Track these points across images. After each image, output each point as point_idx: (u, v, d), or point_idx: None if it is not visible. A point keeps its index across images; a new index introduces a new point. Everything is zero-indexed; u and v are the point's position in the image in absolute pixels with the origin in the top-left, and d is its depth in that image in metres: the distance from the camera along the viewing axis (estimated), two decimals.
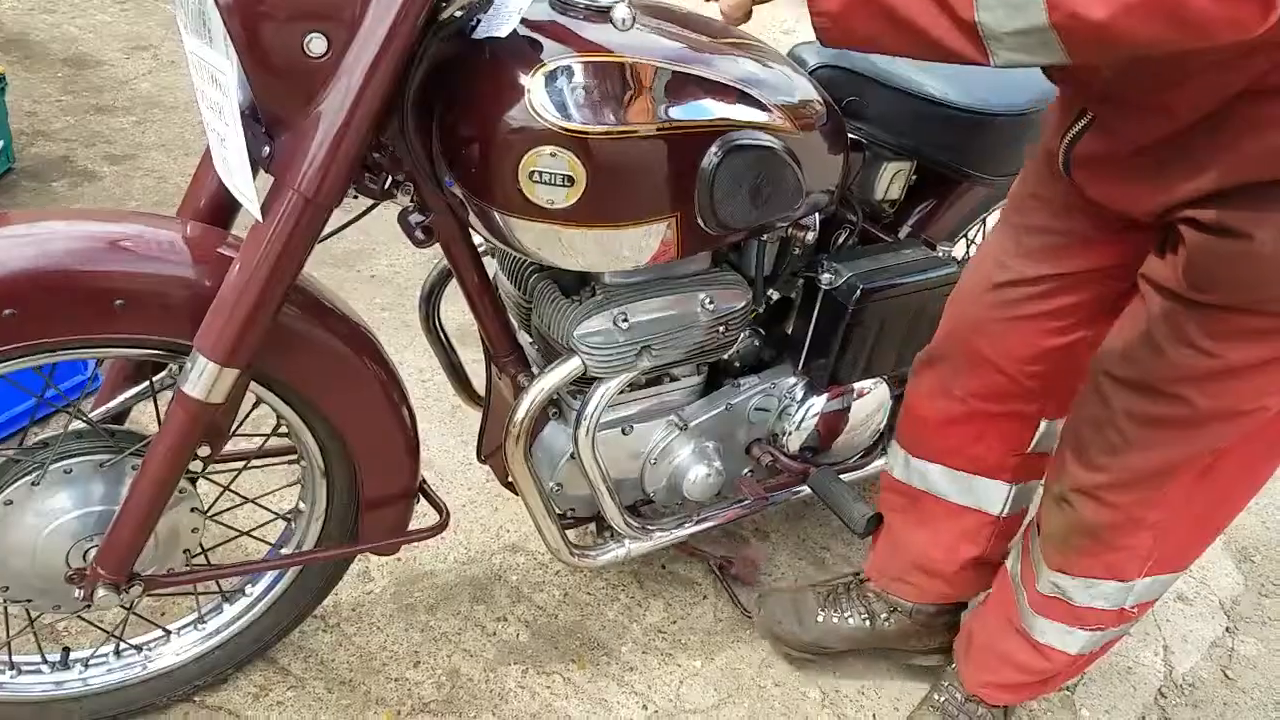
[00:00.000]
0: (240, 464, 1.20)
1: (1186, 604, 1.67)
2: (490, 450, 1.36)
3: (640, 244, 0.98)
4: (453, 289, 1.22)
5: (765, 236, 1.15)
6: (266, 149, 0.86)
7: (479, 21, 0.90)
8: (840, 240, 1.28)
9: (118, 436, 1.04)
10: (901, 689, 1.43)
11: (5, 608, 1.14)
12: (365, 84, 0.82)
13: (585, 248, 0.96)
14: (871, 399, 1.38)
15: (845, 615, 1.35)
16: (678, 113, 0.93)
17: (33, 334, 0.88)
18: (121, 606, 1.13)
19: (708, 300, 1.14)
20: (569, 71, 0.88)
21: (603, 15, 0.93)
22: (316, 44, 0.82)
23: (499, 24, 0.87)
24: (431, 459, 1.69)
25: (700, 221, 0.99)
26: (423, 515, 1.24)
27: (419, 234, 1.02)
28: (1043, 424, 1.17)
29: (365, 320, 1.11)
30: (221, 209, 1.03)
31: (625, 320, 1.09)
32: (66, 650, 1.18)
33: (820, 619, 1.35)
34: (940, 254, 1.26)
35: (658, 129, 0.91)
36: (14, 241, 0.88)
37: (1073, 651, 1.17)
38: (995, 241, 1.10)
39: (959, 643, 1.33)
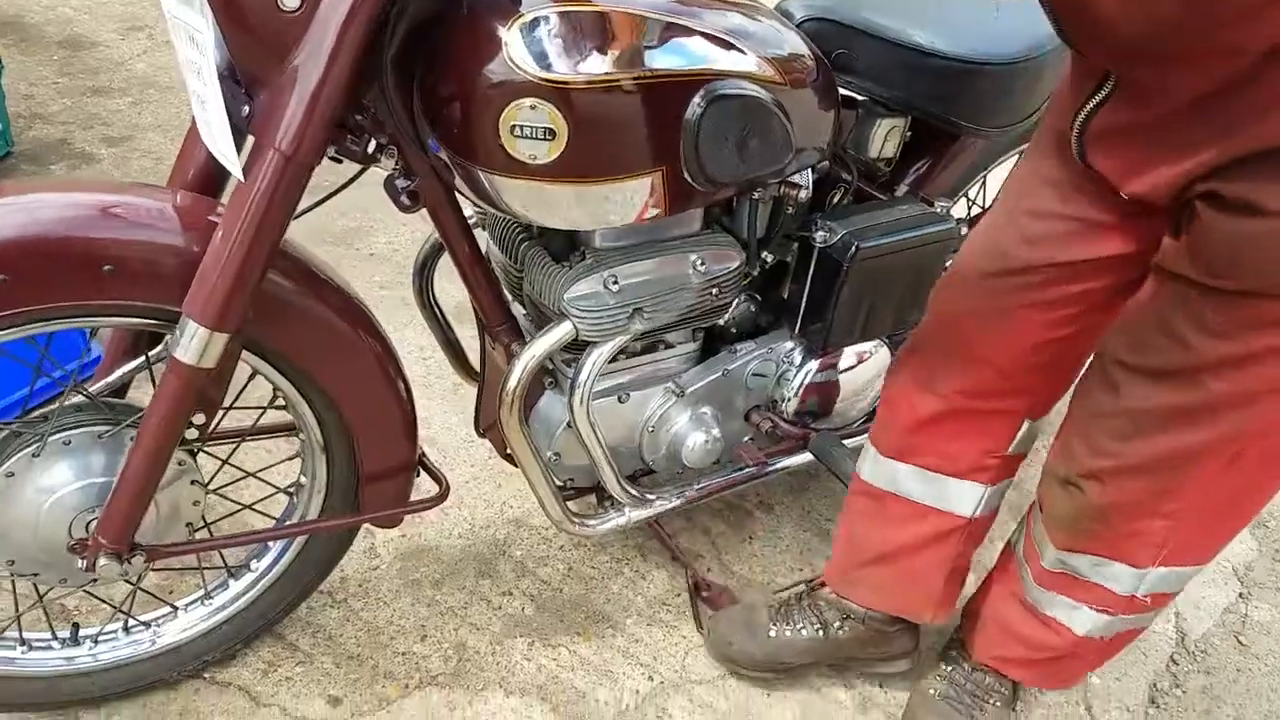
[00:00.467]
0: (239, 437, 1.20)
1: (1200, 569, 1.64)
2: (488, 423, 1.36)
3: (626, 200, 0.98)
4: (446, 263, 1.22)
5: (756, 195, 1.14)
6: (246, 109, 0.87)
7: None
8: (835, 200, 1.27)
9: (116, 409, 1.05)
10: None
11: (13, 584, 1.15)
12: (340, 37, 0.82)
13: (570, 205, 0.96)
14: (872, 363, 1.37)
15: (798, 627, 1.30)
16: (659, 62, 0.92)
17: (23, 300, 0.89)
18: (127, 581, 1.15)
19: (699, 262, 1.13)
20: (547, 21, 0.88)
21: None
22: None
23: None
24: (434, 436, 1.69)
25: (687, 176, 0.99)
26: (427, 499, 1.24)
27: (404, 199, 1.02)
28: (1025, 424, 1.12)
29: (359, 294, 1.11)
30: (210, 178, 1.03)
31: (615, 283, 1.08)
32: (76, 626, 1.19)
33: (773, 634, 1.30)
34: (938, 210, 1.24)
35: (638, 78, 0.90)
36: (4, 209, 0.89)
37: (1078, 631, 1.13)
38: (991, 227, 1.03)
39: (965, 614, 1.32)
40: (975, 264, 1.04)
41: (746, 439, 1.36)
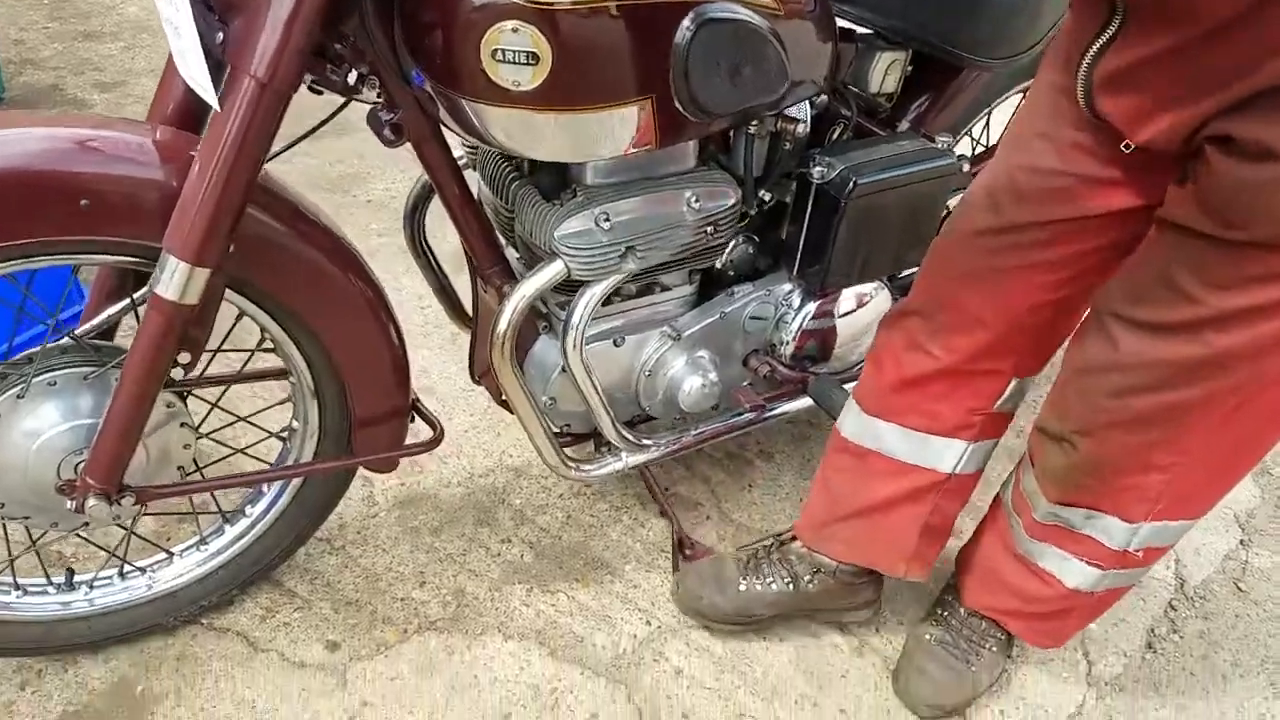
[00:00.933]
0: (229, 381, 1.19)
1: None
2: (483, 369, 1.35)
3: (614, 130, 0.95)
4: (442, 210, 1.20)
5: (752, 130, 1.11)
6: (220, 35, 0.84)
7: None
8: (834, 136, 1.23)
9: (102, 351, 1.04)
10: (908, 602, 1.40)
11: (5, 528, 1.15)
12: None
13: (555, 134, 0.93)
14: (872, 306, 1.34)
15: (768, 580, 1.29)
16: None
17: None
18: (120, 525, 1.15)
19: (694, 199, 1.10)
20: None
21: None
22: None
23: None
24: (433, 385, 1.68)
25: (678, 105, 0.95)
26: (421, 443, 1.24)
27: (388, 132, 0.99)
28: (1013, 382, 1.10)
29: (349, 236, 1.09)
30: (191, 113, 1.01)
31: (607, 220, 1.06)
32: (70, 571, 1.20)
33: (743, 587, 1.29)
34: (939, 145, 1.20)
35: (623, 1, 0.87)
36: None
37: (1069, 583, 1.12)
38: (987, 184, 1.00)
39: (959, 561, 1.31)
40: (971, 222, 1.01)
41: (745, 384, 1.34)
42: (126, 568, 1.21)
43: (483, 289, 1.23)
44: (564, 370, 1.17)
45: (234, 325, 1.10)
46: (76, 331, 1.04)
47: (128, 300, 1.05)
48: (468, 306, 1.46)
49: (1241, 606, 1.48)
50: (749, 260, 1.29)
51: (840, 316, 1.33)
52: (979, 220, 1.00)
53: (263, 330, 1.09)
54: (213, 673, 1.22)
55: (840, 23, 1.19)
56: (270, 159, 1.03)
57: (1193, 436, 0.94)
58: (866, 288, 1.32)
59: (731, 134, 1.14)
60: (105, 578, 1.20)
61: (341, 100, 1.01)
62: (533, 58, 0.86)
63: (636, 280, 1.18)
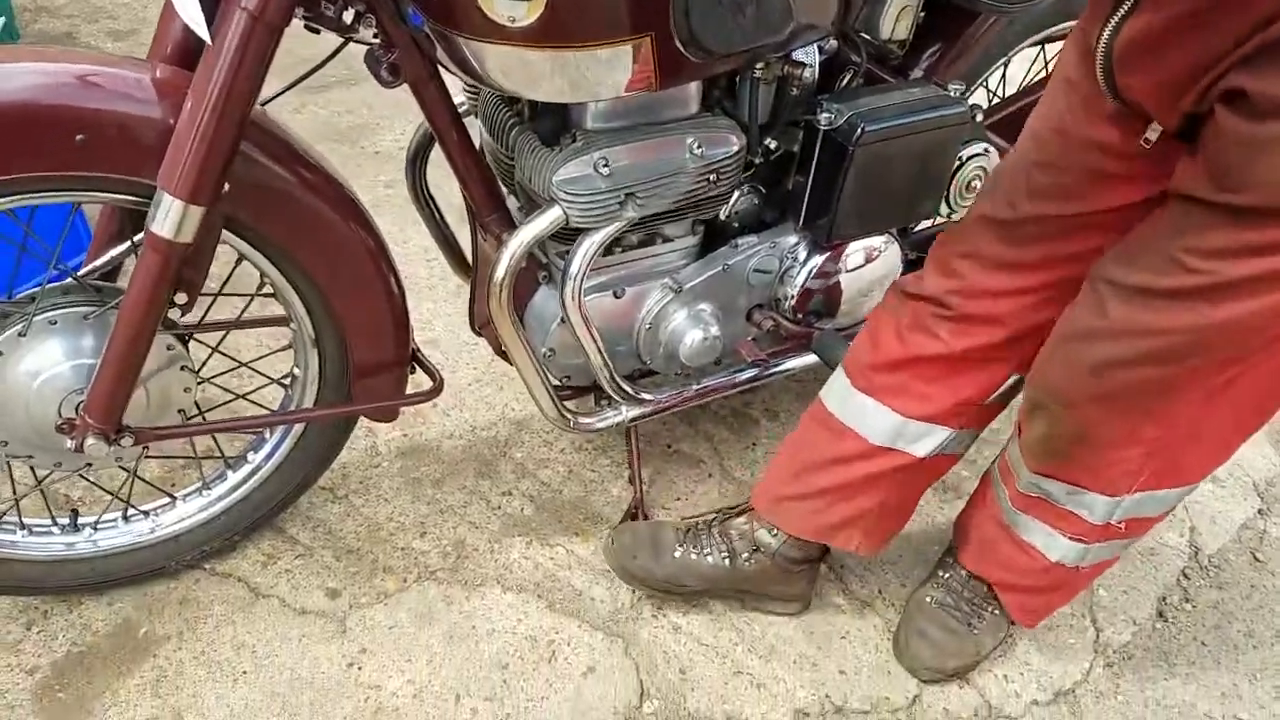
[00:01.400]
0: (230, 325, 1.20)
1: (1218, 485, 1.60)
2: (483, 320, 1.34)
3: (611, 69, 0.93)
4: (442, 157, 1.18)
5: (757, 74, 1.09)
6: None
7: None
8: (843, 83, 1.21)
9: (104, 291, 1.04)
10: (911, 565, 1.40)
11: (9, 468, 1.17)
12: None
13: (552, 73, 0.91)
14: (881, 261, 1.32)
15: (704, 552, 1.26)
16: None
17: None
18: (122, 468, 1.16)
19: (696, 145, 1.08)
20: None
21: None
22: None
23: None
24: (437, 338, 1.68)
25: (678, 43, 0.93)
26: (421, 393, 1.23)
27: (385, 74, 0.98)
28: (1011, 378, 1.08)
29: (349, 182, 1.08)
30: (190, 52, 0.99)
31: (606, 166, 1.04)
32: (75, 513, 1.21)
33: (678, 554, 1.26)
34: (952, 93, 1.17)
35: None
36: None
37: (1051, 557, 1.11)
38: (1004, 175, 1.00)
39: (957, 524, 1.29)
40: (990, 211, 1.01)
41: (749, 339, 1.33)
42: (130, 511, 1.22)
43: (482, 238, 1.22)
44: (563, 321, 1.16)
45: (234, 269, 1.10)
46: (79, 272, 1.04)
47: (128, 243, 1.05)
48: (470, 258, 1.45)
49: (1258, 577, 1.46)
50: (754, 211, 1.27)
51: (848, 271, 1.30)
52: (999, 212, 1.00)
53: (262, 274, 1.09)
54: (214, 617, 1.24)
55: None
56: (269, 100, 1.03)
57: (1181, 408, 0.92)
58: (875, 241, 1.30)
59: (736, 79, 1.12)
60: (109, 520, 1.22)
61: (339, 41, 1.00)
62: None
63: (637, 230, 1.17)
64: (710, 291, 1.25)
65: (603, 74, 0.93)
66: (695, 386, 1.32)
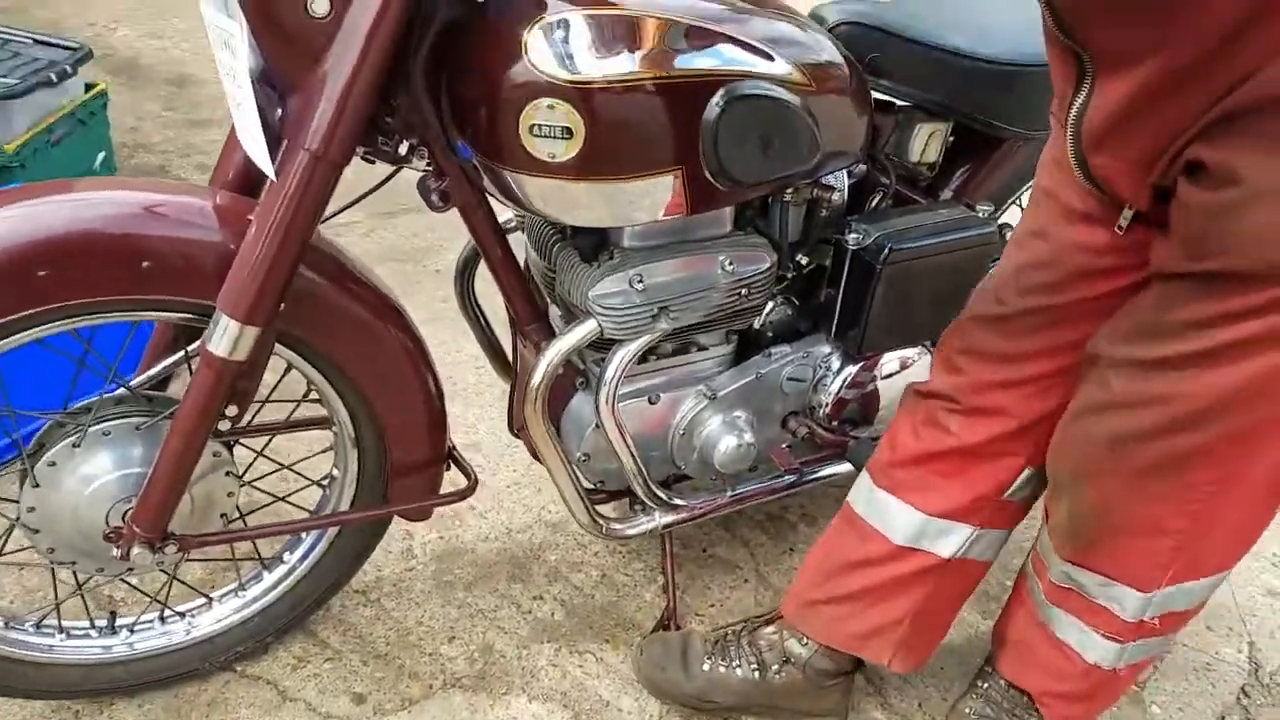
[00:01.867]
0: (274, 430, 1.23)
1: (1276, 597, 1.54)
2: (520, 424, 1.36)
3: (646, 198, 0.97)
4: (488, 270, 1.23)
5: (788, 197, 1.13)
6: (280, 111, 0.89)
7: None
8: (873, 203, 1.24)
9: (155, 401, 1.08)
10: (952, 677, 1.36)
11: (54, 573, 1.19)
12: (368, 42, 0.85)
13: (590, 202, 0.96)
14: (915, 370, 1.33)
15: (734, 665, 1.23)
16: (678, 63, 0.91)
17: (65, 295, 0.92)
18: (162, 570, 1.18)
19: (728, 262, 1.12)
20: (567, 24, 0.89)
21: None
22: (319, 5, 0.85)
23: None
24: (479, 441, 1.70)
25: (708, 175, 0.97)
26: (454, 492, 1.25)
27: (435, 199, 1.03)
28: (1025, 472, 1.09)
29: (414, 302, 1.12)
30: (250, 179, 1.06)
31: (641, 281, 1.08)
32: (113, 615, 1.23)
33: (706, 667, 1.23)
34: (980, 214, 1.20)
35: (655, 79, 0.90)
36: (48, 207, 0.93)
37: (1090, 659, 1.08)
38: (995, 280, 1.06)
39: (994, 632, 1.26)
40: (980, 310, 1.06)
41: (784, 446, 1.33)
42: (167, 612, 1.24)
43: (523, 345, 1.26)
44: (598, 426, 1.18)
45: (282, 377, 1.14)
46: (132, 383, 1.09)
47: (181, 353, 1.10)
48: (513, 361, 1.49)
49: None
50: (787, 322, 1.29)
51: (882, 379, 1.32)
52: (991, 309, 1.04)
53: (309, 381, 1.13)
54: None
55: (880, 95, 1.20)
56: (326, 220, 1.08)
57: (1198, 495, 0.92)
58: (909, 352, 1.31)
59: (769, 199, 1.16)
60: (146, 622, 1.23)
61: (392, 169, 1.06)
62: (567, 132, 0.89)
63: (673, 338, 1.19)
64: (744, 399, 1.26)
65: (637, 202, 0.97)
66: (730, 493, 1.32)
